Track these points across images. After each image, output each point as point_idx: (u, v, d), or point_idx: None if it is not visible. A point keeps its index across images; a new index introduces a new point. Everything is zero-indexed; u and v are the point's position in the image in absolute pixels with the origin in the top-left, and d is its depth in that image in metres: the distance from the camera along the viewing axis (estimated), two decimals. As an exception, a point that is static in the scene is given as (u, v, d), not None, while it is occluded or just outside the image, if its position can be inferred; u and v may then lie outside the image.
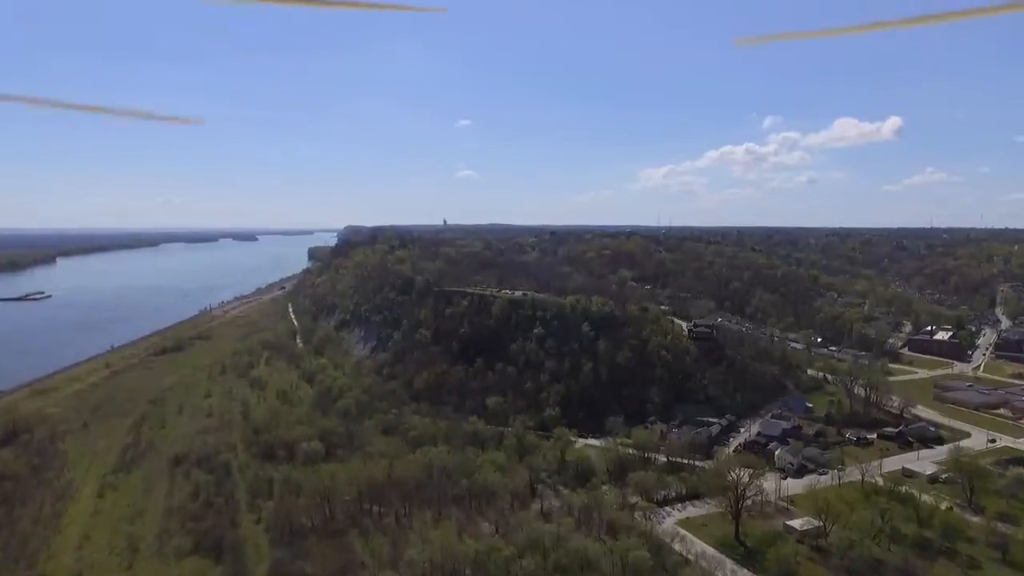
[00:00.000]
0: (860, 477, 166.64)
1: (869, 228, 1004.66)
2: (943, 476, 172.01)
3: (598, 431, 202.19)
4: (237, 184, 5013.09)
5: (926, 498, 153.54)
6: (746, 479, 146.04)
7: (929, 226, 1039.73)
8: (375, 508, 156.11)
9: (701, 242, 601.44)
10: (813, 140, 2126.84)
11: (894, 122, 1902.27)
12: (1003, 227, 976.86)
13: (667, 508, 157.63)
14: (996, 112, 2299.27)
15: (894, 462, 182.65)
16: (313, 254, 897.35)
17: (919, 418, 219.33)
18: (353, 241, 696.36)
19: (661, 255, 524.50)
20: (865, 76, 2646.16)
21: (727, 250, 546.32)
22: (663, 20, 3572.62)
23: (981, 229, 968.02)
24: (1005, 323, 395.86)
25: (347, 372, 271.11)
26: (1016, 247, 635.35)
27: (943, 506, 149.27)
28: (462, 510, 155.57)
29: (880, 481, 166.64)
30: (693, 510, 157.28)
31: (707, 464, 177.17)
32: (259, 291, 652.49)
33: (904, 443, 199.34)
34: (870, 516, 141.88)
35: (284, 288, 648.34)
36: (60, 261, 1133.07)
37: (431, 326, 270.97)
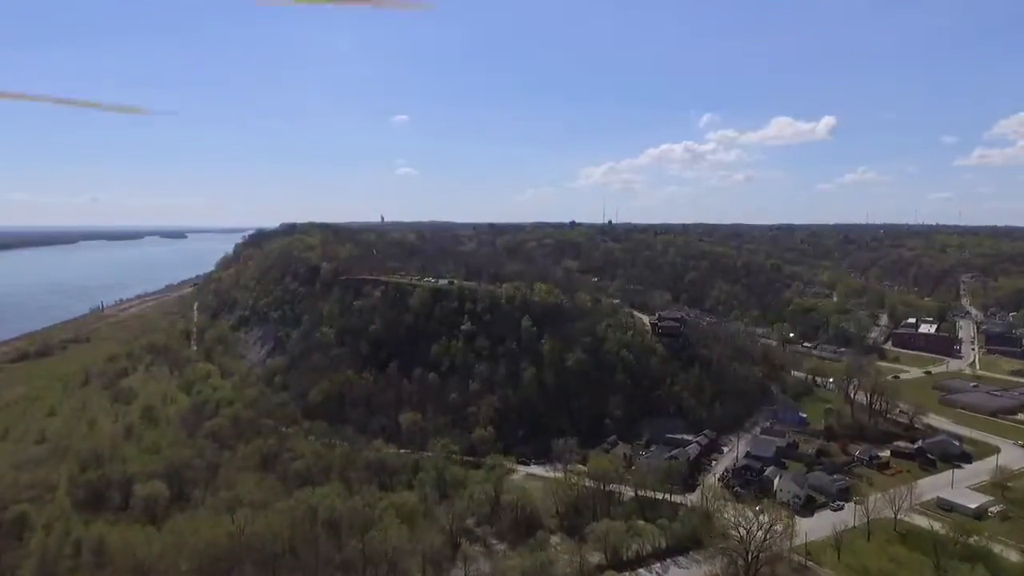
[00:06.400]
0: (893, 515, 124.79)
1: (808, 224, 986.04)
2: (992, 509, 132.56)
3: (544, 456, 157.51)
4: (169, 183, 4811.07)
5: (1002, 550, 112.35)
6: (760, 533, 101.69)
7: (866, 222, 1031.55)
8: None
9: (649, 232, 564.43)
10: (751, 138, 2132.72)
11: (828, 121, 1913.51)
12: (934, 223, 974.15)
13: (641, 571, 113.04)
14: (923, 113, 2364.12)
15: (922, 488, 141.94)
16: (238, 250, 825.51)
17: (933, 428, 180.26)
18: (270, 233, 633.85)
19: (608, 245, 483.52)
20: (801, 75, 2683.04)
21: (679, 240, 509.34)
22: (599, 17, 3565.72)
23: (915, 225, 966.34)
24: (975, 314, 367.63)
25: (235, 381, 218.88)
26: (966, 237, 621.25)
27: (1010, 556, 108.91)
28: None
29: (927, 522, 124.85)
30: (679, 573, 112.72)
31: (688, 499, 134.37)
32: (168, 288, 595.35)
33: (926, 462, 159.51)
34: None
35: (197, 285, 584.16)
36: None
37: (336, 323, 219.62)
